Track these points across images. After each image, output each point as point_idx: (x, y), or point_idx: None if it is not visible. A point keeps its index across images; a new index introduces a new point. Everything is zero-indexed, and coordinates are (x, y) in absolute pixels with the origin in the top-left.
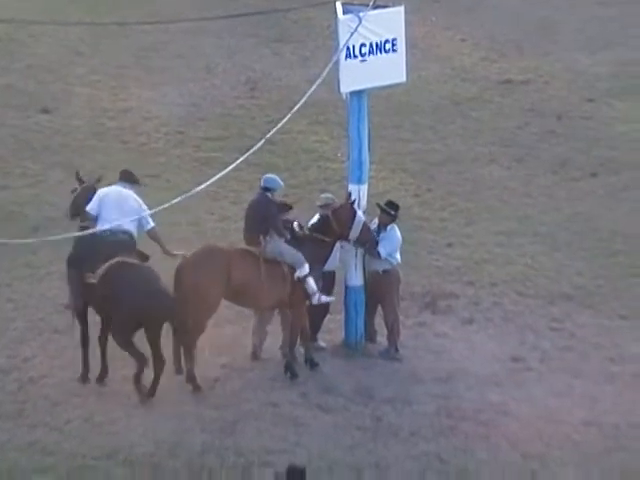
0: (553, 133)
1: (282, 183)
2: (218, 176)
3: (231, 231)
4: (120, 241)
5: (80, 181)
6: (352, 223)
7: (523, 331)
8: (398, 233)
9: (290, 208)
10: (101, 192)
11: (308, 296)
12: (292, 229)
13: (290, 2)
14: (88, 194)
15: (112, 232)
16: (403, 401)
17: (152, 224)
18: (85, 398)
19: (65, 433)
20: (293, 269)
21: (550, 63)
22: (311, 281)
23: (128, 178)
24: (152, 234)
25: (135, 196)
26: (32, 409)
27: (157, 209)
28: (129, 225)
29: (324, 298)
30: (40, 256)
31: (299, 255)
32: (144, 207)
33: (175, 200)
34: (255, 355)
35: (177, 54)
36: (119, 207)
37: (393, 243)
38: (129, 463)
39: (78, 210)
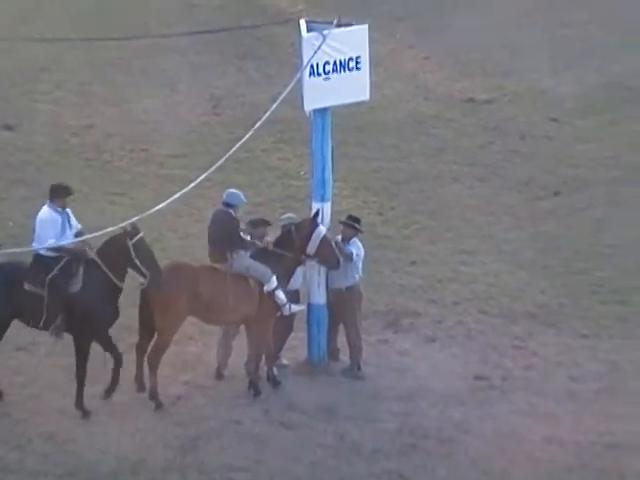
0: (516, 152)
1: (244, 199)
2: (180, 193)
3: (194, 248)
4: None
5: None
6: (311, 237)
7: (486, 349)
8: (360, 244)
9: (268, 224)
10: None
11: (279, 308)
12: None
13: (254, 19)
14: None
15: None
16: (366, 419)
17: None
18: (47, 416)
19: (27, 451)
20: (260, 283)
21: (514, 82)
22: (280, 293)
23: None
24: None
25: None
26: None
27: (119, 226)
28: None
29: (295, 307)
30: None
31: (266, 269)
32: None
33: (136, 217)
34: (219, 372)
35: (141, 70)
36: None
37: (358, 252)
38: None
39: None
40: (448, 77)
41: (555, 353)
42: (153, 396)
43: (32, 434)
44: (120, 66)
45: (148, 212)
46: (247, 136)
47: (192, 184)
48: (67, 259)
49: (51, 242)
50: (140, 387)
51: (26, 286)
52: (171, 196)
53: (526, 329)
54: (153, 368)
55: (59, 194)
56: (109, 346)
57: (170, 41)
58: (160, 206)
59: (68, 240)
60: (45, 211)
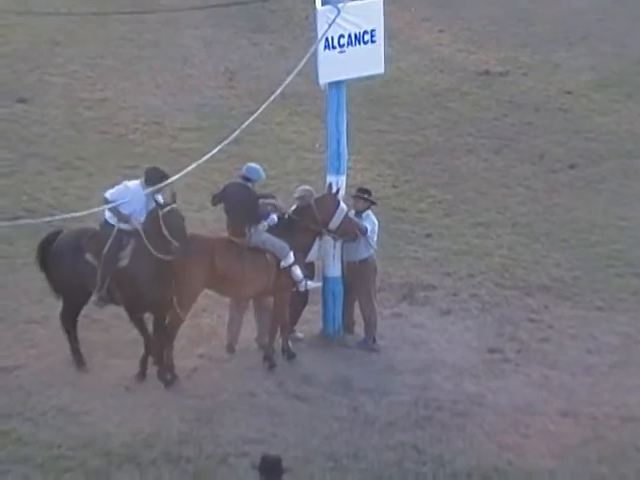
0: (531, 125)
1: (264, 174)
2: (193, 166)
3: (209, 221)
4: None
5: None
6: (334, 213)
7: (501, 322)
8: (374, 218)
9: (273, 198)
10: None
11: (294, 284)
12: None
13: None
14: None
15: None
16: (380, 392)
17: None
18: (60, 389)
19: (40, 424)
20: (277, 257)
21: (529, 55)
22: (297, 269)
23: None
24: None
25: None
26: (7, 399)
27: (137, 197)
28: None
29: (311, 284)
30: (17, 247)
31: (283, 244)
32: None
33: (150, 189)
34: (230, 347)
35: (154, 44)
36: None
37: (372, 228)
38: (105, 453)
39: None
40: (463, 50)
41: (570, 326)
42: (168, 369)
43: (46, 407)
44: (133, 40)
45: (163, 183)
46: (261, 109)
47: (206, 156)
48: (118, 231)
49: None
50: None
51: (87, 256)
52: (184, 169)
53: (541, 302)
54: (169, 340)
55: (152, 179)
56: (139, 326)
57: (183, 15)
58: (174, 178)
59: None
60: (136, 184)
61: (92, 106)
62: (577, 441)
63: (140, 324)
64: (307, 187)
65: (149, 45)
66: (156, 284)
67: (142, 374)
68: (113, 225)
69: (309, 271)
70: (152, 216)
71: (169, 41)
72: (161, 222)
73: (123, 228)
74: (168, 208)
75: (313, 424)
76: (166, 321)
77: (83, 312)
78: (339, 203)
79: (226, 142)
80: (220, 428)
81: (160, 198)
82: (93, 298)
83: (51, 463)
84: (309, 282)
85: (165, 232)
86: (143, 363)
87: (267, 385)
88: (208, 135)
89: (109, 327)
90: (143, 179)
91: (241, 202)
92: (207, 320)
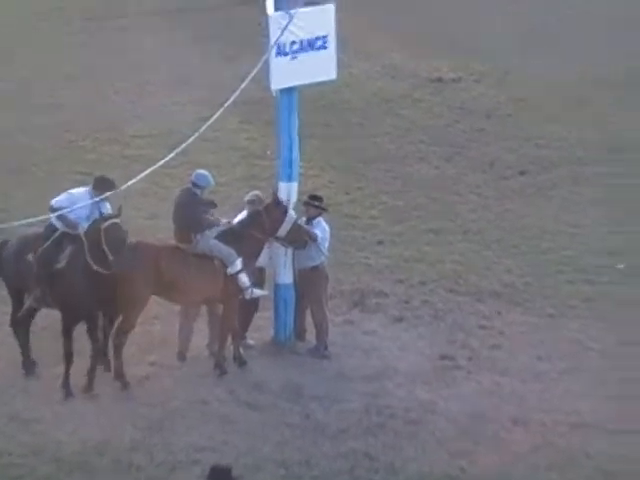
0: (482, 132)
1: (212, 181)
2: (146, 172)
3: (160, 228)
4: None
5: None
6: (282, 220)
7: (452, 329)
8: (325, 225)
9: (215, 206)
10: None
11: (241, 291)
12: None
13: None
14: None
15: None
16: (332, 399)
17: None
18: (12, 396)
19: None
20: (224, 263)
21: (480, 62)
22: (244, 276)
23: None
24: None
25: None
26: None
27: (83, 205)
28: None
29: (257, 292)
30: None
31: (230, 251)
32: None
33: (102, 196)
34: (181, 354)
35: (107, 50)
36: None
37: (323, 235)
38: (56, 460)
39: None
40: (415, 56)
41: (521, 332)
42: (119, 376)
43: None
44: (87, 46)
45: (114, 190)
46: (215, 116)
47: (158, 163)
48: (60, 234)
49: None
50: (106, 367)
51: (28, 256)
52: (137, 175)
53: (493, 308)
54: (118, 349)
55: (100, 187)
56: (91, 330)
57: (138, 21)
58: (126, 185)
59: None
60: (81, 192)
61: (44, 112)
62: (527, 448)
63: (67, 335)
64: (258, 192)
65: (103, 51)
66: (91, 294)
67: (90, 385)
68: (57, 228)
69: (259, 277)
70: (94, 228)
71: (123, 47)
72: (102, 236)
73: (67, 232)
74: (110, 222)
75: (264, 432)
76: (114, 329)
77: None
78: (287, 210)
79: (180, 149)
80: (171, 436)
81: (107, 207)
82: (28, 298)
83: (1, 471)
84: (255, 290)
85: (105, 247)
86: (91, 373)
87: (218, 393)
88: (160, 142)
89: (60, 334)
90: (91, 187)
91: (187, 208)
92: (158, 327)
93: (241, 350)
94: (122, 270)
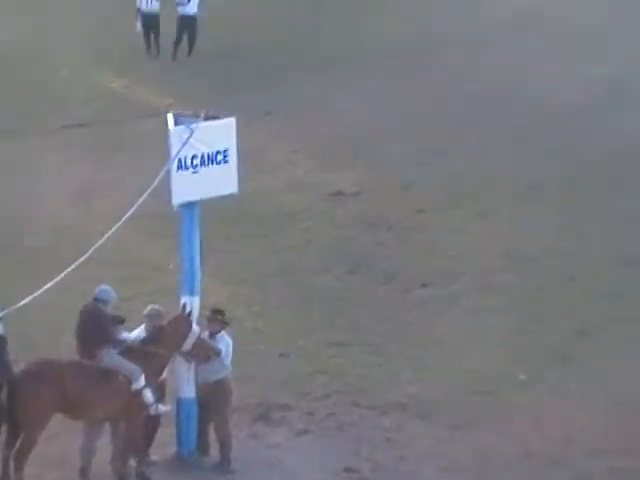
0: (384, 244)
1: (114, 295)
2: (46, 287)
3: (62, 343)
4: None
5: None
6: (187, 335)
7: (357, 441)
8: (229, 339)
9: (123, 321)
10: None
11: (146, 407)
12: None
13: (124, 113)
14: None
15: None
16: None
17: None
18: None
19: None
20: (128, 379)
21: (381, 174)
22: (148, 392)
23: None
24: None
25: None
26: None
27: None
28: None
29: (162, 408)
30: None
31: (134, 367)
32: None
33: (2, 312)
34: (84, 472)
35: (10, 163)
36: None
37: (226, 349)
38: None
39: None
40: (317, 169)
41: (426, 444)
42: None
43: None
44: None
45: (15, 306)
46: (113, 230)
47: (58, 277)
48: None
49: None
50: None
51: None
52: (38, 290)
53: (397, 421)
54: (20, 466)
55: None
56: None
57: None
58: (27, 300)
59: None
60: None
61: None
62: None
63: None
64: (157, 306)
65: (5, 164)
66: None
67: None
68: None
69: (160, 391)
70: None
71: (22, 158)
72: None
73: None
74: None
75: None
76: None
77: None
78: (191, 325)
79: (79, 262)
80: None
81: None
82: None
83: None
84: (160, 406)
85: None
86: None
87: None
88: (64, 255)
89: None
90: None
91: (91, 323)
92: (58, 445)
93: (144, 466)
94: (24, 387)
